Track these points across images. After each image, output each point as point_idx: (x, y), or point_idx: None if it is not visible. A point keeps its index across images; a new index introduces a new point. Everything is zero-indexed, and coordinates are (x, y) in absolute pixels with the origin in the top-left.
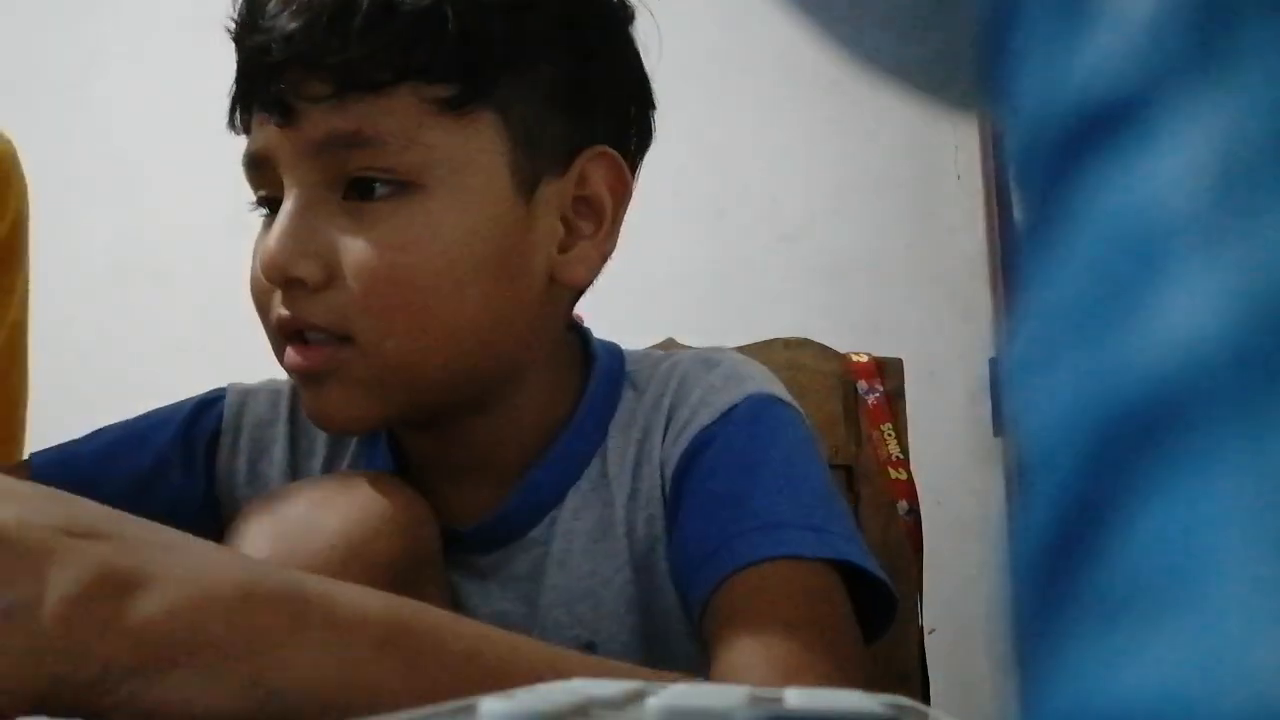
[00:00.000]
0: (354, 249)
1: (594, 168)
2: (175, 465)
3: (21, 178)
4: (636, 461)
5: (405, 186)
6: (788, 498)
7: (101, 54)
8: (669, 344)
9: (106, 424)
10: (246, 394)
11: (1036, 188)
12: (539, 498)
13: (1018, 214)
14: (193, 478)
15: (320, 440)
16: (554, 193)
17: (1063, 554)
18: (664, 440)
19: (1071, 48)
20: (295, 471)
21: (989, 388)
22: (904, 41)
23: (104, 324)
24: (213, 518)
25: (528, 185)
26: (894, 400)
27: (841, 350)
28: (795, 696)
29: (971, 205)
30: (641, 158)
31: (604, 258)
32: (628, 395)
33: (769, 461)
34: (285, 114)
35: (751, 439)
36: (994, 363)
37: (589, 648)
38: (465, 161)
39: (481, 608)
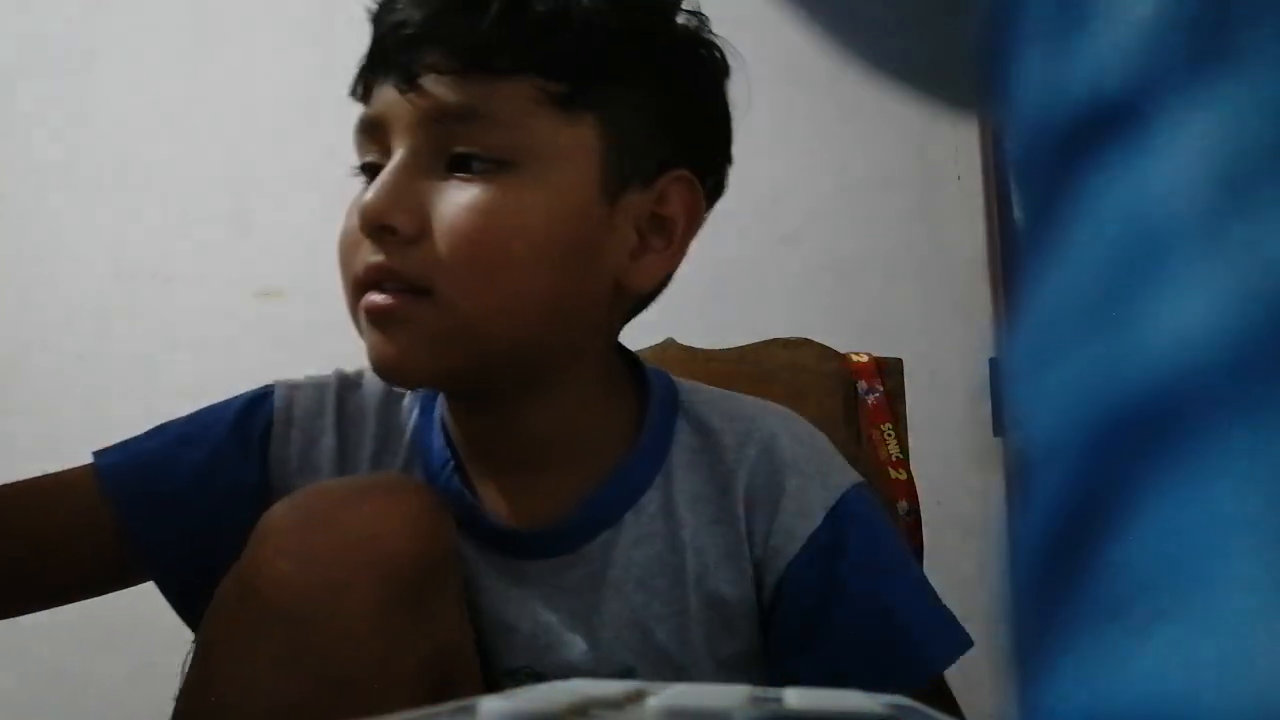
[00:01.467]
0: (447, 210)
1: (674, 189)
2: (230, 457)
3: None
4: (714, 519)
5: (502, 165)
6: (920, 602)
7: (103, 54)
8: (669, 344)
9: (165, 422)
10: (293, 389)
11: (1036, 188)
12: (597, 515)
13: (1018, 214)
14: (248, 467)
15: (368, 433)
16: (635, 203)
17: (1063, 554)
18: (752, 511)
19: (1071, 48)
20: (344, 459)
21: (989, 388)
22: (904, 41)
23: (104, 324)
24: (266, 505)
25: (613, 190)
26: (894, 400)
27: (841, 350)
28: (795, 696)
29: (971, 205)
30: (713, 203)
31: (669, 273)
32: (684, 428)
33: (895, 570)
34: (409, 81)
35: (873, 544)
36: (994, 363)
37: (629, 673)
38: (561, 154)
39: (521, 616)
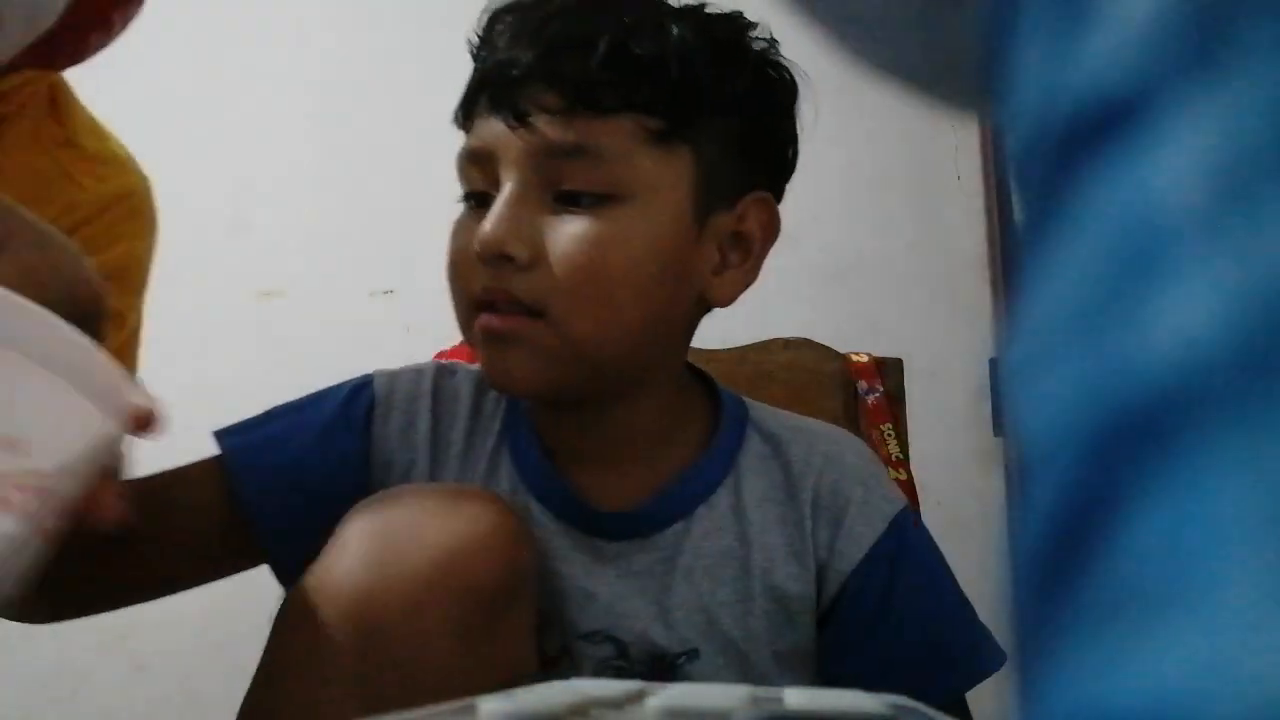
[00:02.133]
0: (560, 240)
1: (754, 209)
2: (338, 431)
3: (149, 217)
4: (780, 519)
5: (607, 198)
6: (965, 616)
7: (102, 53)
8: None
9: (274, 406)
10: (393, 376)
11: (1036, 188)
12: (670, 505)
13: (1018, 214)
14: (353, 439)
15: (461, 416)
16: (719, 224)
17: (1062, 554)
18: (818, 516)
19: (1071, 48)
20: (437, 439)
21: (989, 388)
22: (904, 41)
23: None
24: (369, 477)
25: (702, 214)
26: (894, 400)
27: (841, 350)
28: (795, 696)
29: (971, 205)
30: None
31: (746, 286)
32: (753, 436)
33: (944, 584)
34: (520, 119)
35: (927, 558)
36: (994, 363)
37: (693, 653)
38: (660, 184)
39: (599, 586)
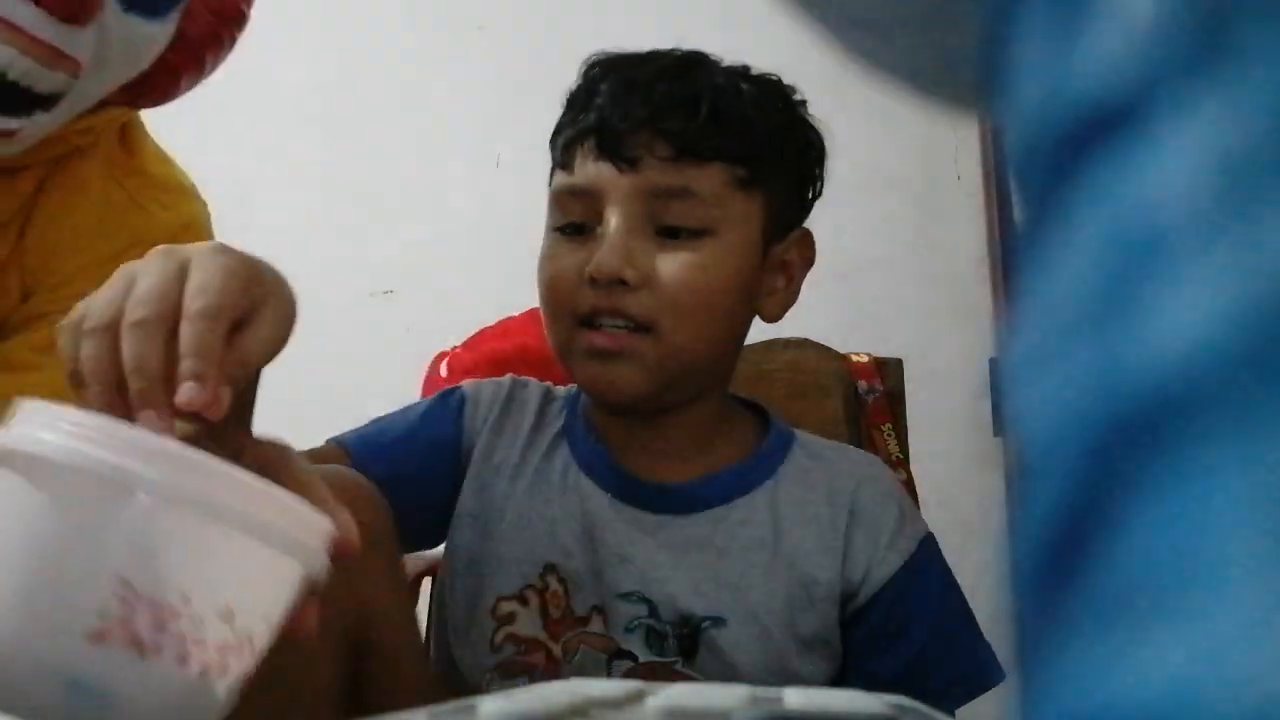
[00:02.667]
0: (666, 266)
1: (799, 242)
2: (436, 419)
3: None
4: (814, 518)
5: (701, 233)
6: (972, 633)
7: None
8: None
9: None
10: (478, 385)
11: (1036, 188)
12: (712, 489)
13: (1018, 214)
14: (448, 427)
15: (526, 420)
16: (774, 254)
17: (1063, 554)
18: (854, 526)
19: (1071, 48)
20: (502, 430)
21: (989, 388)
22: (904, 41)
23: None
24: (457, 460)
25: (766, 246)
26: (894, 400)
27: (841, 350)
28: (795, 696)
29: (971, 205)
30: None
31: (790, 306)
32: (798, 452)
33: (961, 604)
34: (631, 164)
35: (947, 579)
36: (994, 363)
37: (719, 621)
38: (742, 222)
39: (638, 552)
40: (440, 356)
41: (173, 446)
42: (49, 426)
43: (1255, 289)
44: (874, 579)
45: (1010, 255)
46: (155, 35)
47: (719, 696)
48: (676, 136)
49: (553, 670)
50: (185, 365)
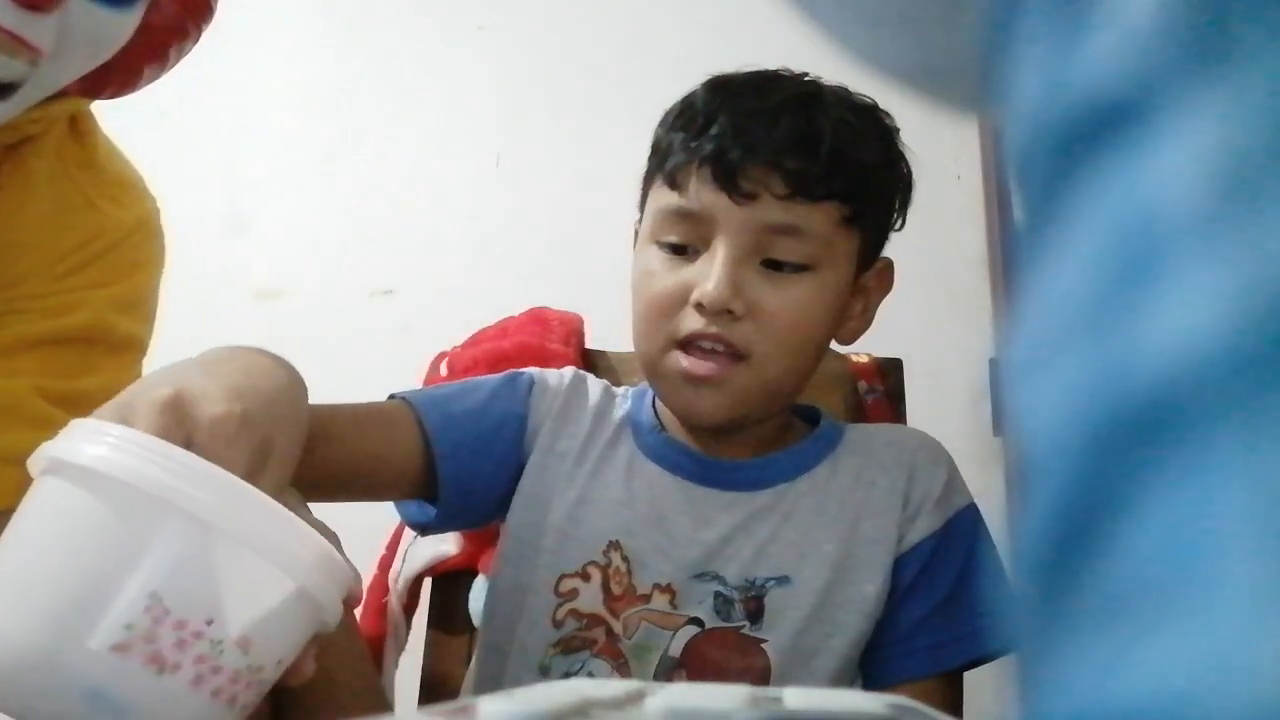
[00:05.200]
0: (771, 300)
1: (880, 271)
2: (505, 397)
3: (160, 241)
4: (872, 482)
5: (804, 268)
6: (987, 605)
7: None
8: None
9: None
10: (544, 373)
11: (1036, 188)
12: (778, 466)
13: (1018, 214)
14: (517, 405)
15: (587, 412)
16: (860, 283)
17: (1063, 554)
18: (912, 484)
19: (1071, 48)
20: (562, 423)
21: (989, 388)
22: (904, 41)
23: None
24: (523, 436)
25: (858, 277)
26: (894, 400)
27: (842, 350)
28: (795, 697)
29: (971, 205)
30: None
31: (865, 330)
32: (854, 434)
33: (986, 567)
34: (747, 197)
35: (979, 547)
36: (994, 363)
37: (783, 579)
38: (841, 258)
39: (709, 536)
40: (440, 356)
41: (221, 473)
42: (99, 441)
43: (1255, 289)
44: (915, 533)
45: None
46: (120, 24)
47: (719, 696)
48: (794, 176)
49: (612, 647)
50: None
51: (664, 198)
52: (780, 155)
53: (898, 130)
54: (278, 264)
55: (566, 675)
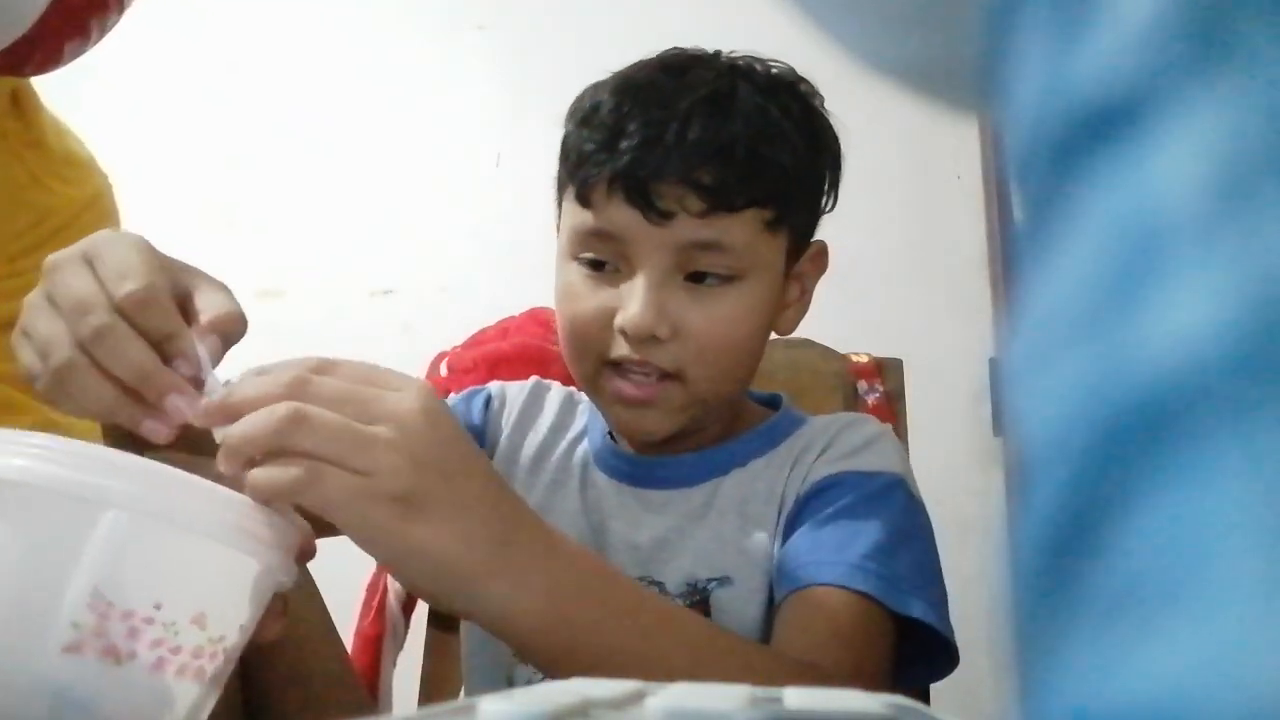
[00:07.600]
0: (697, 319)
1: (813, 255)
2: (463, 412)
3: (115, 218)
4: (803, 463)
5: (730, 278)
6: (885, 553)
7: (101, 53)
8: None
9: None
10: (504, 386)
11: (1036, 188)
12: (711, 462)
13: (1018, 214)
14: (474, 421)
15: (547, 420)
16: (792, 272)
17: (1062, 554)
18: (821, 457)
19: (1071, 48)
20: (520, 430)
21: (989, 388)
22: (904, 41)
23: None
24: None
25: (789, 269)
26: (894, 400)
27: (841, 350)
28: (795, 697)
29: (971, 205)
30: None
31: (803, 316)
32: (809, 428)
33: (881, 523)
34: (663, 216)
35: (882, 505)
36: (994, 363)
37: (724, 580)
38: (769, 262)
39: (643, 539)
40: (440, 356)
41: (137, 460)
42: (12, 452)
43: (1255, 288)
44: (811, 480)
45: (1010, 255)
46: None
47: (719, 697)
48: (710, 191)
49: None
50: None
51: (577, 215)
52: (694, 169)
53: (821, 99)
54: (278, 264)
55: (529, 683)
